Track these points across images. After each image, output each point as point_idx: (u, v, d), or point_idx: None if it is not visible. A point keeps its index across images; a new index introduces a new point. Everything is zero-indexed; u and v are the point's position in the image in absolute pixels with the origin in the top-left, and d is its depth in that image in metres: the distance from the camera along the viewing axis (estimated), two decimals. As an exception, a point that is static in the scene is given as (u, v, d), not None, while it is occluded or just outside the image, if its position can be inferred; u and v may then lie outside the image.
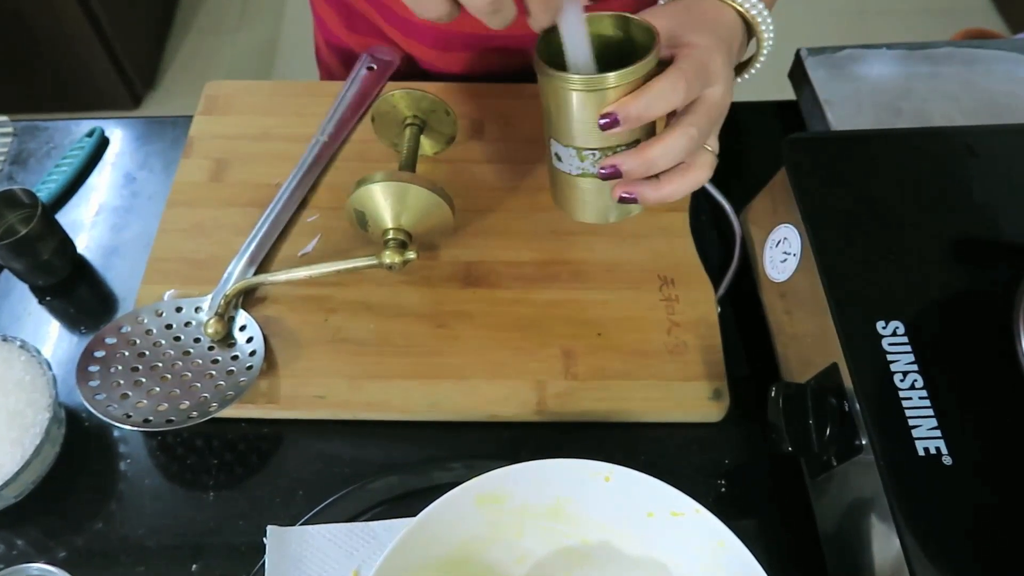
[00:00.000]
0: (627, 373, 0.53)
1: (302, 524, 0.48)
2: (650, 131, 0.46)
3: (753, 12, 0.48)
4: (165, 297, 0.55)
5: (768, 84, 0.71)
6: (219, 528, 0.50)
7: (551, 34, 0.43)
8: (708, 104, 0.44)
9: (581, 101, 0.43)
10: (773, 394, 0.47)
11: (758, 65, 0.51)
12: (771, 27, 0.49)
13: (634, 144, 0.45)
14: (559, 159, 0.47)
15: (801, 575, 0.48)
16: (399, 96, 0.59)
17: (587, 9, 0.42)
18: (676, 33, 0.45)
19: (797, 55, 0.70)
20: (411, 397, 0.52)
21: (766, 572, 0.40)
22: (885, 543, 0.42)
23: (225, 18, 1.96)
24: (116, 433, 0.53)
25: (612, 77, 0.42)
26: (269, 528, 0.46)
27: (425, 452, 0.52)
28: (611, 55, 0.45)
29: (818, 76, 0.68)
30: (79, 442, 0.53)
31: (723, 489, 0.51)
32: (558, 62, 0.43)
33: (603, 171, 0.45)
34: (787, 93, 0.71)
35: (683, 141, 0.43)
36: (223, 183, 0.61)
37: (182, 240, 0.58)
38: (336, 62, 0.77)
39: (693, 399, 0.52)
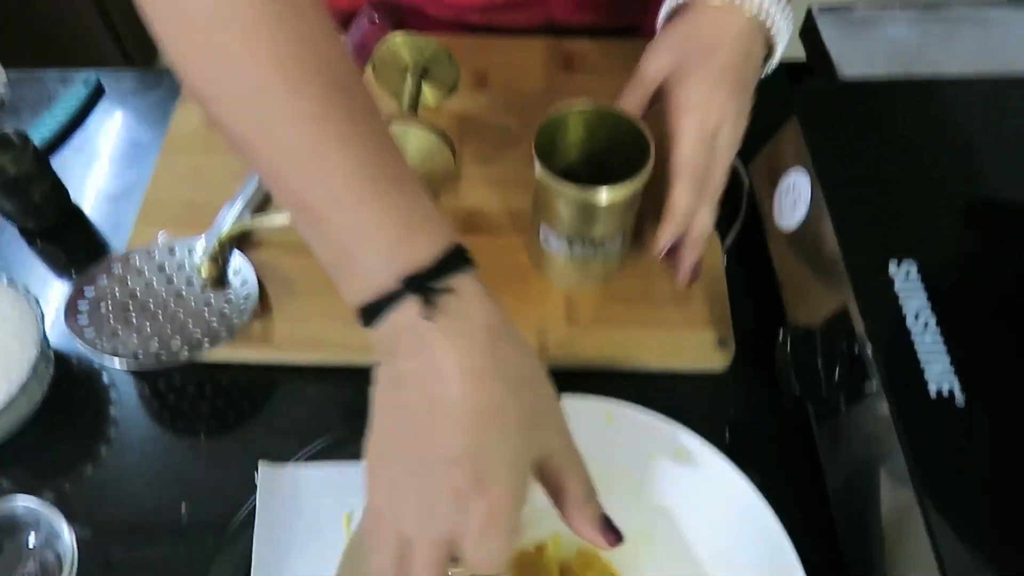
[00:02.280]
0: (631, 320, 0.51)
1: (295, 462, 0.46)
2: (634, 215, 0.50)
3: (763, 18, 0.46)
4: (159, 238, 0.54)
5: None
6: (210, 470, 0.48)
7: (554, 129, 0.48)
8: (720, 172, 0.47)
9: (575, 206, 0.47)
10: (781, 338, 0.46)
11: (774, 63, 0.50)
12: (787, 22, 0.48)
13: (617, 239, 0.50)
14: (548, 242, 0.50)
15: (807, 526, 0.47)
16: (401, 41, 0.58)
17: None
18: (674, 73, 0.47)
19: (809, 14, 0.68)
20: (409, 342, 0.50)
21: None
22: (894, 490, 0.41)
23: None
24: (106, 379, 0.52)
25: (605, 192, 0.46)
26: (261, 464, 0.45)
27: (422, 398, 0.50)
28: (603, 141, 0.49)
29: (829, 35, 0.67)
30: (69, 386, 0.51)
31: (728, 439, 0.49)
32: (554, 152, 0.49)
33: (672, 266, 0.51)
34: (798, 52, 0.69)
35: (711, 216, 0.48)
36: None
37: (177, 185, 0.57)
38: (334, 18, 0.76)
39: (698, 347, 0.51)
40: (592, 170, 0.50)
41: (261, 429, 0.50)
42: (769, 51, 0.49)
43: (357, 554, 0.38)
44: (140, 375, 0.51)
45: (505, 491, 0.32)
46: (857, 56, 0.65)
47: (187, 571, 0.45)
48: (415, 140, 0.51)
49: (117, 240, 0.58)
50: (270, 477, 0.45)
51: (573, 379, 0.50)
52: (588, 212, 0.46)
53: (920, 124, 0.51)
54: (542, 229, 0.50)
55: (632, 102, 0.48)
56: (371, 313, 0.33)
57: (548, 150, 0.48)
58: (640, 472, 0.43)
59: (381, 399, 0.34)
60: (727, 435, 0.50)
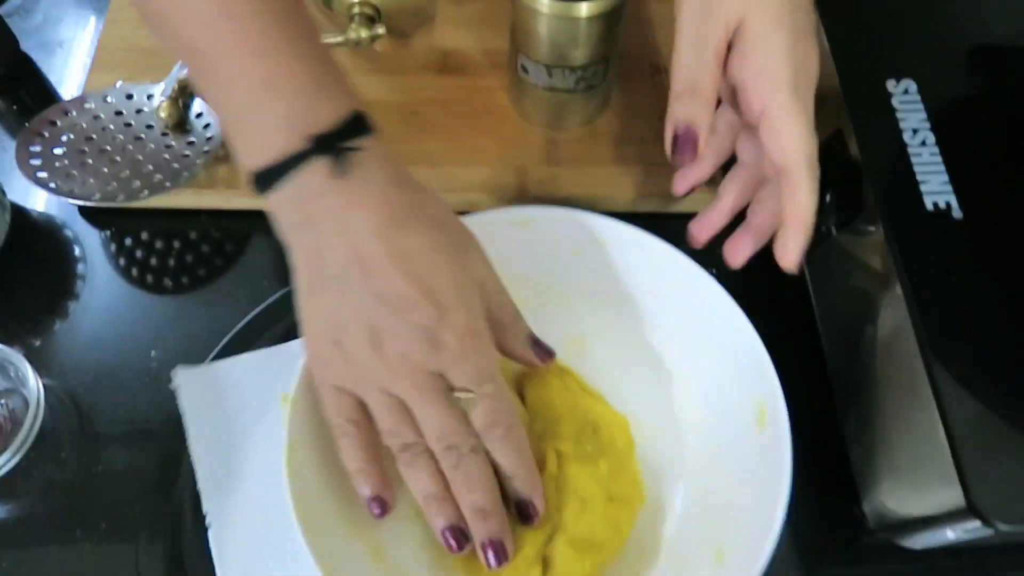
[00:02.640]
0: (615, 160, 0.49)
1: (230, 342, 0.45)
2: (616, 44, 0.47)
3: None
4: (116, 85, 0.51)
5: None
6: (179, 318, 0.47)
7: None
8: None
9: (554, 25, 0.43)
10: (771, 163, 0.44)
11: None
12: None
13: (603, 61, 0.46)
14: (526, 71, 0.47)
15: (797, 355, 0.46)
16: None
17: None
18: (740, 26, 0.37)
19: None
20: (382, 183, 0.48)
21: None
22: (887, 309, 0.39)
23: None
24: (69, 232, 0.50)
25: (584, 7, 0.42)
26: (178, 370, 0.43)
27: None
28: None
29: None
30: (29, 239, 0.49)
31: (715, 276, 0.48)
32: None
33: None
34: None
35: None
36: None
37: (133, 29, 0.54)
38: None
39: (685, 185, 0.49)
40: None
41: (232, 276, 0.48)
42: None
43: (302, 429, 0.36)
44: (105, 229, 0.49)
45: (465, 312, 0.33)
46: None
47: (157, 415, 0.43)
48: (386, -31, 0.48)
49: (71, 91, 0.55)
50: (190, 380, 0.43)
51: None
52: (567, 31, 0.44)
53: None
54: (520, 58, 0.47)
55: (704, 78, 0.38)
56: (272, 176, 0.32)
57: None
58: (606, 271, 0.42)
59: (306, 277, 0.33)
60: (714, 271, 0.48)
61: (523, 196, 0.48)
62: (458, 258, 0.33)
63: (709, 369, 0.41)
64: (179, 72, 0.50)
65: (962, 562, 0.41)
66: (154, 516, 0.41)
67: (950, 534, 0.35)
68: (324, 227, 0.32)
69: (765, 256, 0.49)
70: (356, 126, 0.33)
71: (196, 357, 0.45)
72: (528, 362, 0.38)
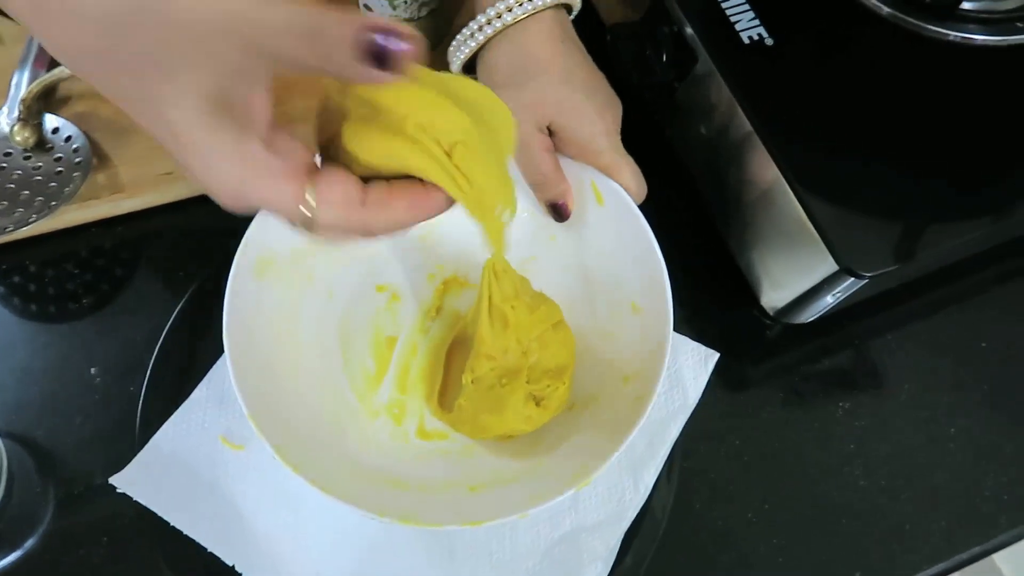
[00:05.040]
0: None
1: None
2: None
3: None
4: (-49, 124, 0.49)
5: None
6: (105, 332, 0.47)
7: None
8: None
9: None
10: (609, 39, 0.49)
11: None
12: None
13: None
14: (369, 9, 0.49)
15: (662, 204, 0.52)
16: None
17: None
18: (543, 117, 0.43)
19: None
20: (264, 149, 0.50)
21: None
22: (734, 131, 0.46)
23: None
24: (-46, 285, 0.48)
25: None
26: (114, 479, 0.42)
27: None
28: None
29: None
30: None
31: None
32: None
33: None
34: None
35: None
36: (-28, -7, 0.53)
37: (-52, 63, 0.51)
38: None
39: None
40: None
41: (144, 278, 0.48)
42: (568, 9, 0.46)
43: None
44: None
45: None
46: None
47: (113, 429, 0.44)
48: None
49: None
50: (132, 477, 0.42)
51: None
52: None
53: None
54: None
55: (546, 169, 0.43)
56: None
57: None
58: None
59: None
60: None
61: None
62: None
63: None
64: (18, 93, 0.49)
65: (842, 326, 0.49)
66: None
67: (829, 299, 0.43)
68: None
69: (624, 121, 0.55)
70: None
71: (138, 361, 0.46)
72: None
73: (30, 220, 0.45)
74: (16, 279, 0.49)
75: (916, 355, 0.50)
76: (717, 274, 0.50)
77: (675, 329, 0.40)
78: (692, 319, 0.48)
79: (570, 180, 0.45)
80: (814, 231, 0.41)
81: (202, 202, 0.49)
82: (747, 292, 0.49)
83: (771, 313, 0.47)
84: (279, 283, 0.43)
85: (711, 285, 0.50)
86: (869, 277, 0.40)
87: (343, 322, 0.45)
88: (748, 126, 0.44)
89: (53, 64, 0.51)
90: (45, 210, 0.45)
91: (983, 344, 0.50)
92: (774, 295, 0.46)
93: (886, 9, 0.46)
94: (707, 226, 0.51)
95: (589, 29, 0.54)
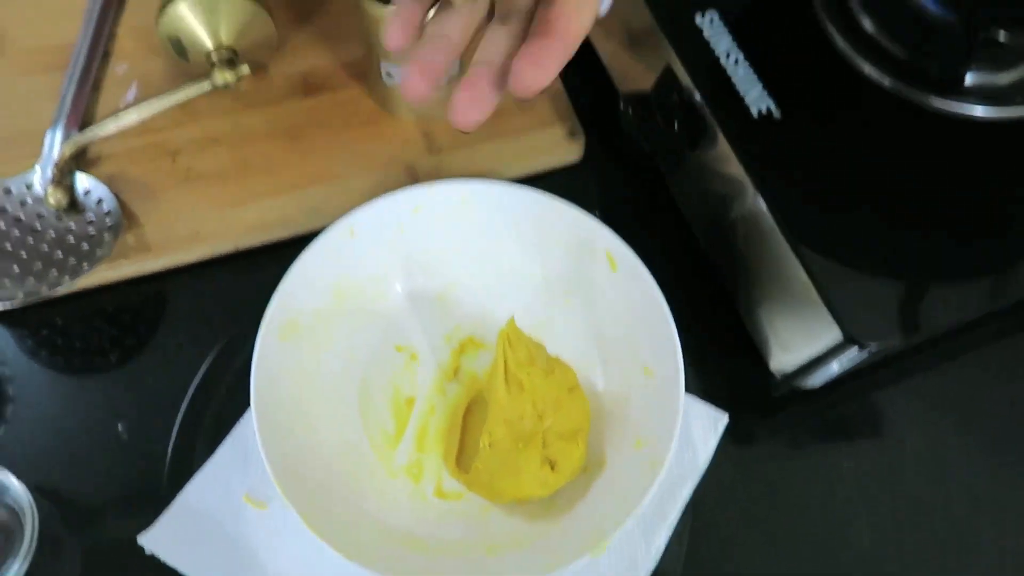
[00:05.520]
0: (487, 136, 0.55)
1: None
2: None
3: None
4: (-15, 185, 0.51)
5: None
6: (131, 388, 0.48)
7: None
8: None
9: None
10: (622, 107, 0.51)
11: None
12: None
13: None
14: (391, 76, 0.51)
15: (672, 267, 0.54)
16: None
17: None
18: None
19: None
20: (288, 210, 0.51)
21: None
22: (742, 200, 0.47)
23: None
24: (-17, 340, 0.50)
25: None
26: (141, 538, 0.43)
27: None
28: None
29: None
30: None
31: (598, 216, 0.55)
32: None
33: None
34: None
35: None
36: (6, 54, 0.55)
37: (-18, 124, 0.53)
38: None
39: (552, 143, 0.55)
40: None
41: (170, 334, 0.50)
42: None
43: None
44: (23, 327, 0.49)
45: None
46: None
47: (140, 485, 0.46)
48: (227, 9, 0.50)
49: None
50: (159, 536, 0.43)
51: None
52: None
53: None
54: (383, 67, 0.51)
55: None
56: None
57: None
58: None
59: None
60: (597, 214, 0.55)
61: (417, 188, 0.53)
62: None
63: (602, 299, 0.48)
64: (51, 153, 0.51)
65: (846, 388, 0.51)
66: None
67: (835, 366, 0.45)
68: None
69: (637, 189, 0.56)
70: None
71: (164, 418, 0.47)
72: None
73: (63, 282, 0.46)
74: (44, 333, 0.50)
75: (920, 411, 0.51)
76: (726, 334, 0.51)
77: (686, 389, 0.42)
78: (701, 376, 0.49)
79: (585, 246, 0.47)
80: (820, 300, 0.42)
81: (225, 262, 0.51)
82: (756, 352, 0.50)
83: (778, 377, 0.49)
84: (303, 345, 0.45)
85: (720, 344, 0.51)
86: (875, 348, 0.41)
87: (363, 382, 0.47)
88: (756, 195, 0.45)
89: (85, 123, 0.53)
90: (78, 272, 0.47)
91: (987, 399, 0.52)
92: (782, 359, 0.48)
93: (887, 81, 0.48)
94: (716, 287, 0.52)
95: (604, 96, 0.57)
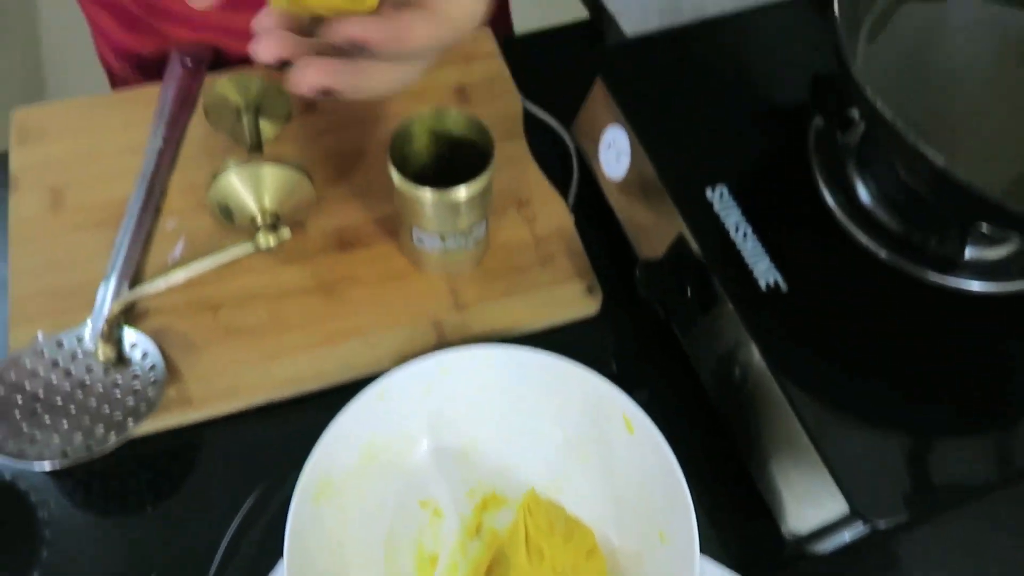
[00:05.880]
0: (509, 291, 0.58)
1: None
2: (491, 199, 0.55)
3: None
4: (39, 338, 0.54)
5: (561, 6, 0.77)
6: (164, 538, 0.50)
7: (402, 142, 0.53)
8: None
9: (439, 207, 0.52)
10: (639, 274, 0.54)
11: None
12: None
13: (482, 224, 0.55)
14: (421, 242, 0.55)
15: (691, 422, 0.56)
16: (225, 83, 0.59)
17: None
18: None
19: (581, -24, 0.76)
20: (321, 365, 0.54)
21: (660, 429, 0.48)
22: (751, 370, 0.50)
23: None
24: (22, 486, 0.52)
25: (463, 189, 0.51)
26: None
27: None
28: (447, 138, 0.54)
29: (605, -6, 0.75)
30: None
31: (615, 369, 0.57)
32: (406, 160, 0.53)
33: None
34: (580, 12, 0.77)
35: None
36: (65, 210, 0.60)
37: (39, 276, 0.57)
38: (128, 68, 0.75)
39: (571, 298, 0.58)
40: (441, 165, 0.55)
41: (206, 486, 0.52)
42: None
43: None
44: (55, 474, 0.52)
45: None
46: (632, 5, 0.74)
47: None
48: (272, 178, 0.54)
49: (-8, 349, 0.57)
50: None
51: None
52: (452, 209, 0.52)
53: (707, 63, 0.60)
54: (414, 232, 0.54)
55: None
56: None
57: (400, 160, 0.52)
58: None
59: None
60: (613, 366, 0.58)
61: (442, 343, 0.56)
62: None
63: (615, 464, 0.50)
64: (102, 309, 0.54)
65: (862, 553, 0.52)
66: None
67: (847, 536, 0.46)
68: None
69: (650, 345, 0.59)
70: None
71: (198, 569, 0.49)
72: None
73: (109, 439, 0.49)
74: (82, 477, 0.52)
75: (934, 555, 0.52)
76: (739, 490, 0.53)
77: (700, 549, 0.43)
78: (714, 533, 0.51)
79: (602, 408, 0.49)
80: (829, 474, 0.44)
81: (260, 414, 0.54)
82: (769, 513, 0.52)
83: (787, 538, 0.50)
84: (334, 504, 0.47)
85: (733, 501, 0.53)
86: (884, 526, 0.43)
87: (389, 537, 0.49)
88: (763, 364, 0.48)
89: (135, 276, 0.57)
90: (123, 429, 0.49)
91: (998, 537, 0.53)
92: (792, 523, 0.49)
93: (884, 254, 0.51)
94: (730, 443, 0.54)
95: (620, 253, 0.60)
